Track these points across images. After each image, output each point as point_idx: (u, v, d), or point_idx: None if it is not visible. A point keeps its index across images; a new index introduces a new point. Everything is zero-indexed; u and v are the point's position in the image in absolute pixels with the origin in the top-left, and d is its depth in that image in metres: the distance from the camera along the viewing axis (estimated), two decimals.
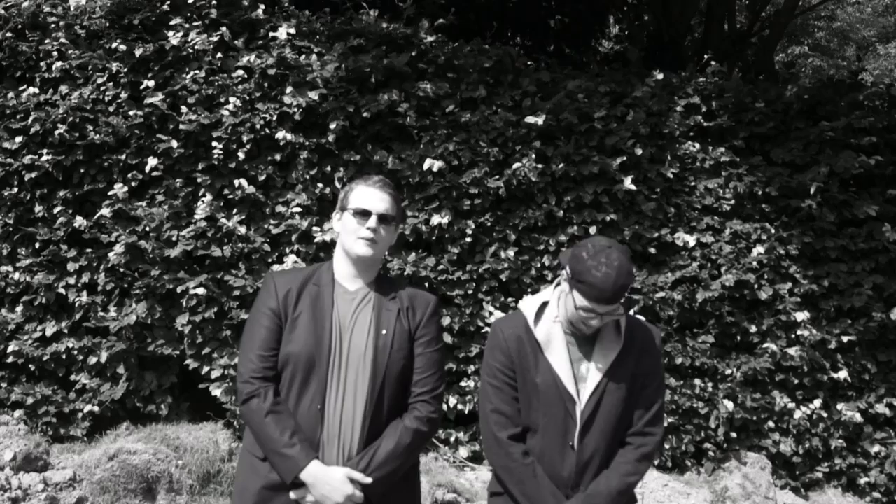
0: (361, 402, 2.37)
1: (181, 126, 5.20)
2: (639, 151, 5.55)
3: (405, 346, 2.44)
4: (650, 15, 11.58)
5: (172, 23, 5.38)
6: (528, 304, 2.53)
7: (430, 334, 2.49)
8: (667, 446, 5.44)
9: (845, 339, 5.59)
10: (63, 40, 5.33)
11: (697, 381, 5.46)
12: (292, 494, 2.33)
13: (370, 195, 2.48)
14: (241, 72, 5.37)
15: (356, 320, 2.44)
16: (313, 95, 5.29)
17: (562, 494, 2.40)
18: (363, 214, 2.44)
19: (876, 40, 19.64)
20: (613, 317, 2.36)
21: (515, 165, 5.38)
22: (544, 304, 2.50)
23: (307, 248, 5.27)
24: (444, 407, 5.19)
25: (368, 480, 2.30)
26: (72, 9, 5.43)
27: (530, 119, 5.44)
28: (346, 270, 2.51)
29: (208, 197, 5.20)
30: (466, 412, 5.31)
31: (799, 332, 5.56)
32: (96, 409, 5.01)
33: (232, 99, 5.28)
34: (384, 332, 2.42)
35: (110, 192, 5.14)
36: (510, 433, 2.43)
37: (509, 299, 5.45)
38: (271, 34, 5.50)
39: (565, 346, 2.44)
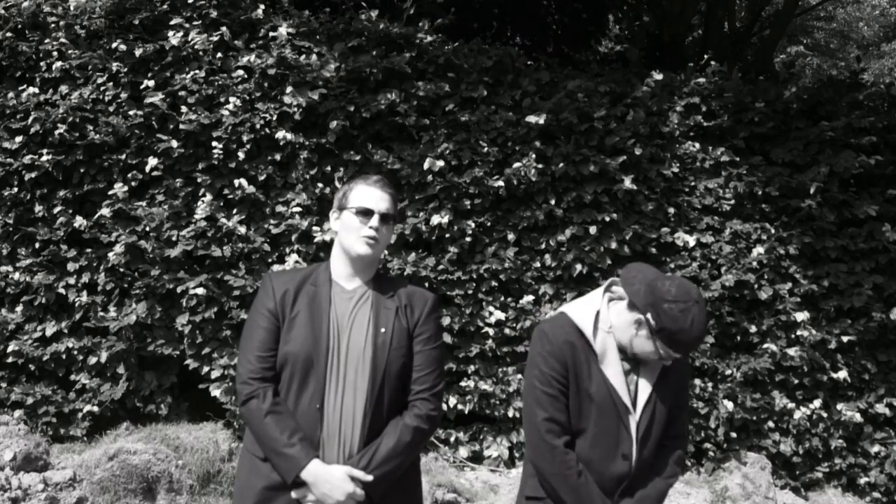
0: (361, 400, 2.37)
1: (181, 126, 5.20)
2: (639, 151, 5.55)
3: (404, 343, 2.44)
4: (650, 15, 11.58)
5: (172, 22, 5.38)
6: (577, 312, 2.50)
7: (428, 332, 2.49)
8: None
9: (845, 339, 5.59)
10: (63, 40, 5.33)
11: (697, 381, 5.45)
12: (294, 494, 2.32)
13: (371, 194, 2.48)
14: (240, 71, 5.37)
15: (354, 319, 2.44)
16: (313, 95, 5.28)
17: (609, 501, 2.43)
18: (365, 214, 2.45)
19: (876, 40, 19.63)
20: None
21: (515, 165, 5.38)
22: (597, 314, 2.49)
23: (307, 247, 5.26)
24: (444, 407, 5.18)
25: (369, 478, 2.30)
26: (72, 8, 5.43)
27: (531, 119, 5.44)
28: (345, 269, 2.51)
29: (208, 197, 5.20)
30: (466, 412, 5.31)
31: (799, 333, 5.55)
32: (96, 409, 5.01)
33: (232, 99, 5.28)
34: (383, 330, 2.42)
35: (110, 192, 5.14)
36: (564, 441, 2.43)
37: (509, 299, 5.45)
38: (271, 34, 5.50)
39: (618, 357, 2.46)
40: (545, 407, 2.43)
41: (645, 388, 2.45)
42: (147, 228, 5.09)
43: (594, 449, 2.43)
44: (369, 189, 2.49)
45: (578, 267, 5.40)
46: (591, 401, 2.42)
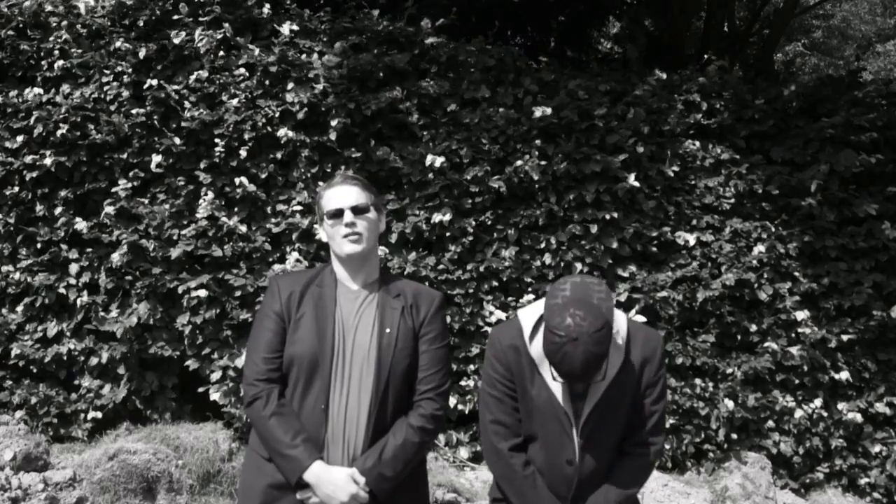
0: (366, 400, 2.37)
1: (183, 124, 5.19)
2: (640, 149, 5.55)
3: (409, 343, 2.44)
4: (650, 14, 11.58)
5: (175, 19, 5.38)
6: (525, 315, 2.43)
7: (434, 331, 2.49)
8: (667, 446, 5.42)
9: (845, 337, 5.58)
10: (65, 38, 5.32)
11: (698, 381, 5.45)
12: (298, 495, 2.33)
13: (336, 194, 2.48)
14: (242, 69, 5.36)
15: (360, 319, 2.43)
16: (315, 93, 5.28)
17: None
18: (336, 215, 2.45)
19: (875, 39, 19.62)
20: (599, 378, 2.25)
21: (517, 163, 5.38)
22: (540, 318, 2.38)
23: (308, 246, 5.26)
24: None
25: (366, 490, 2.31)
26: (82, 11, 5.41)
27: (536, 111, 5.42)
28: (345, 272, 2.51)
29: (210, 195, 5.19)
30: (467, 412, 5.30)
31: (799, 331, 5.56)
32: (98, 413, 4.98)
33: (234, 95, 5.27)
34: (388, 330, 2.42)
35: (113, 190, 5.13)
36: (510, 444, 2.41)
37: (510, 298, 5.44)
38: (274, 31, 5.50)
39: None
40: (491, 409, 2.42)
41: (595, 392, 2.31)
42: (149, 227, 5.07)
43: (543, 452, 2.39)
44: (333, 190, 2.50)
45: (579, 266, 5.40)
46: (534, 405, 2.36)
